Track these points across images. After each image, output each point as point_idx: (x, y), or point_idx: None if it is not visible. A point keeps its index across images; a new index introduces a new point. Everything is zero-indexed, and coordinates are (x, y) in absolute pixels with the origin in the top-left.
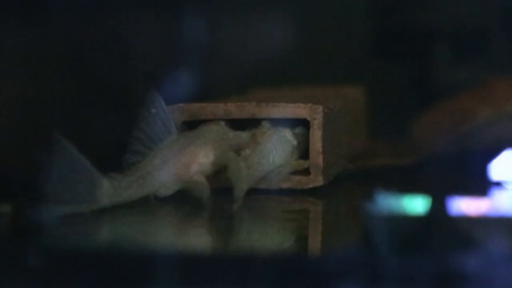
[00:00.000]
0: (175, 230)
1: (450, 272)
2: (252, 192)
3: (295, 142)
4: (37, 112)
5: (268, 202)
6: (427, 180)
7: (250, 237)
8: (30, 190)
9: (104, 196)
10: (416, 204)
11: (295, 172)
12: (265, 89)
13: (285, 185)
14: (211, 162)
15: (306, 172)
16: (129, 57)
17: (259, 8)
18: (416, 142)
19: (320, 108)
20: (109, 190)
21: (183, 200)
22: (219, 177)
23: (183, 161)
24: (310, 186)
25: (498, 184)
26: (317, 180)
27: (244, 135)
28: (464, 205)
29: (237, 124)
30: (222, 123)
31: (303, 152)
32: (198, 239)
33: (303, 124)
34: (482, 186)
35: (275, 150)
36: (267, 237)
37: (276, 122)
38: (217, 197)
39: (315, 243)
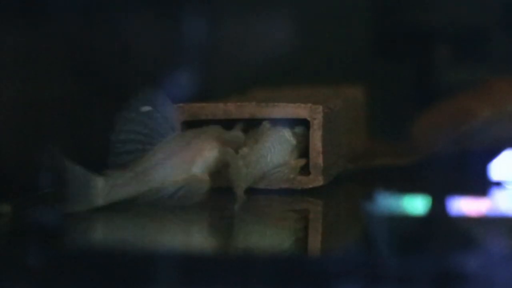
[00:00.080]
0: (175, 230)
1: (450, 272)
2: (252, 192)
3: (294, 142)
4: (37, 112)
5: (268, 202)
6: (427, 180)
7: (250, 237)
8: (30, 190)
9: (99, 195)
10: (416, 204)
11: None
12: (265, 89)
13: (285, 185)
14: (216, 158)
15: (306, 172)
16: (129, 57)
17: (259, 8)
18: (416, 142)
19: (320, 108)
20: (104, 189)
21: (184, 198)
22: (219, 177)
23: (189, 154)
24: (310, 186)
25: (498, 184)
26: (317, 180)
27: (240, 135)
28: (464, 205)
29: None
30: (220, 127)
31: (303, 151)
32: (198, 239)
33: (303, 124)
34: (482, 186)
35: (273, 149)
36: (267, 237)
37: (276, 122)
38: (217, 197)
39: (315, 243)
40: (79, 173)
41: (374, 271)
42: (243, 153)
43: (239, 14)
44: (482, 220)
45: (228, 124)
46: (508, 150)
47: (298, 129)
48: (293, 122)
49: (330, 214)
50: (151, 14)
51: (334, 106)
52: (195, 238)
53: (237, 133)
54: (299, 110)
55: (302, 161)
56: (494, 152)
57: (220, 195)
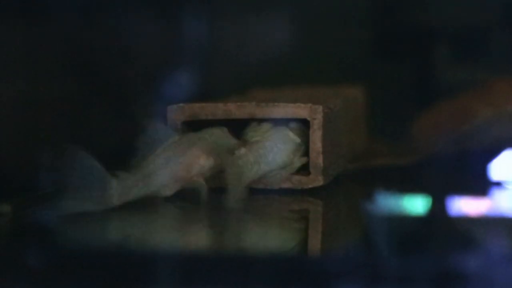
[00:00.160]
0: (175, 230)
1: (450, 272)
2: (252, 192)
3: (298, 140)
4: (37, 112)
5: (268, 202)
6: (427, 180)
7: (250, 237)
8: (30, 190)
9: (114, 196)
10: (416, 204)
11: (295, 172)
12: (265, 89)
13: (285, 185)
14: (210, 165)
15: (306, 172)
16: (129, 57)
17: (259, 8)
18: (416, 142)
19: (320, 108)
20: (117, 189)
21: (183, 200)
22: (219, 177)
23: (185, 162)
24: (310, 186)
25: (498, 184)
26: (317, 180)
27: (234, 141)
28: (464, 205)
29: (237, 124)
30: (225, 129)
31: (303, 151)
32: (198, 239)
33: (303, 124)
34: (482, 186)
35: (276, 149)
36: (267, 237)
37: (276, 122)
38: (217, 197)
39: (315, 243)
40: (99, 173)
41: (374, 271)
42: (238, 154)
43: (239, 14)
44: (482, 220)
45: (228, 124)
46: (508, 150)
47: (292, 125)
48: (289, 120)
49: (330, 214)
50: (151, 14)
51: (334, 106)
52: (195, 238)
53: (233, 140)
54: (299, 110)
55: (304, 159)
56: (494, 152)
57: (220, 195)
